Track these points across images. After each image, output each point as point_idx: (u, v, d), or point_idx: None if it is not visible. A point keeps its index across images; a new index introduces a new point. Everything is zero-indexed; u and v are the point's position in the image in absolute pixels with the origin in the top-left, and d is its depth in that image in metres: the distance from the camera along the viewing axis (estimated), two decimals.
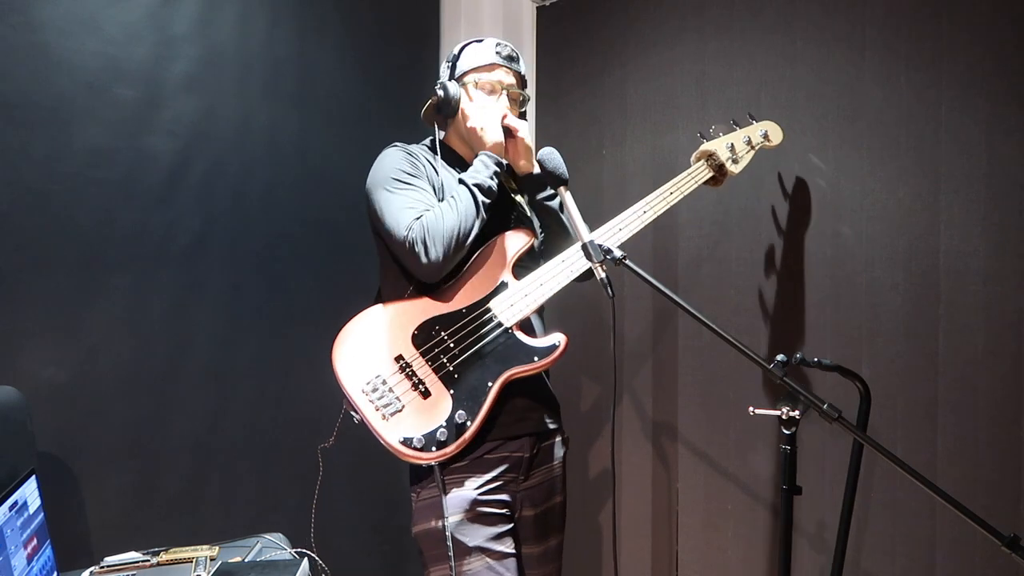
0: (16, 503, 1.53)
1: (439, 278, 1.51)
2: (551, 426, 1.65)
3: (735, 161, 1.76)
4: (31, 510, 1.60)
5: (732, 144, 1.75)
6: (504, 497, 1.54)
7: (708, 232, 2.13)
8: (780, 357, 1.33)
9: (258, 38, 2.23)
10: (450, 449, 1.42)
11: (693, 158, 1.78)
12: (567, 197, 1.43)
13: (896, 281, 1.77)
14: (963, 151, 1.66)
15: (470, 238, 1.50)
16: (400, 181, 1.53)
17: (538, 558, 1.64)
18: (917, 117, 1.73)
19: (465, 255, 1.54)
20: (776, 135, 1.82)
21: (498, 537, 1.50)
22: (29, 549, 1.55)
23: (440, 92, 1.64)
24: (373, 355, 1.46)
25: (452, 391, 1.45)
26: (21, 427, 1.70)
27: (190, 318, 2.09)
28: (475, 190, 1.52)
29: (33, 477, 1.64)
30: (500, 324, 1.50)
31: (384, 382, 1.44)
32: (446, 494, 1.47)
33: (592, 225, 1.52)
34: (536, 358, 1.51)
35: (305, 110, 2.33)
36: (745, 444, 2.05)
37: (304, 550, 1.78)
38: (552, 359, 1.52)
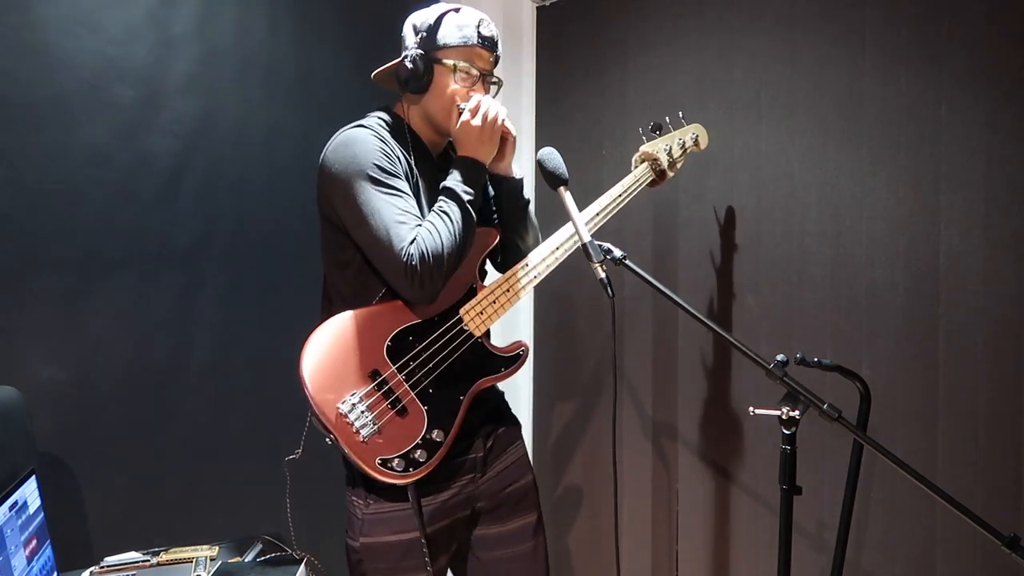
0: (16, 503, 1.53)
1: (432, 302, 1.42)
2: (497, 420, 1.62)
3: (671, 165, 1.78)
4: (31, 510, 1.60)
5: (670, 148, 1.78)
6: (457, 509, 1.51)
7: (708, 232, 2.13)
8: (780, 357, 1.33)
9: (258, 38, 2.23)
10: (426, 468, 1.38)
11: (636, 160, 1.77)
12: (567, 197, 1.41)
13: (896, 281, 1.77)
14: (963, 151, 1.66)
15: (463, 260, 1.42)
16: (382, 182, 1.39)
17: (513, 534, 1.59)
18: (917, 117, 1.73)
19: None
20: (704, 139, 1.89)
21: (434, 559, 1.46)
22: (29, 549, 1.55)
23: (410, 65, 1.47)
24: (346, 370, 1.35)
25: (427, 407, 1.40)
26: (21, 427, 1.70)
27: (190, 318, 2.09)
28: (468, 206, 1.41)
29: (33, 477, 1.64)
30: (471, 334, 1.45)
31: (360, 400, 1.35)
32: (420, 510, 1.42)
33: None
34: (503, 368, 1.49)
35: (305, 110, 2.33)
36: (745, 444, 2.05)
37: (304, 553, 1.78)
38: (517, 367, 1.51)
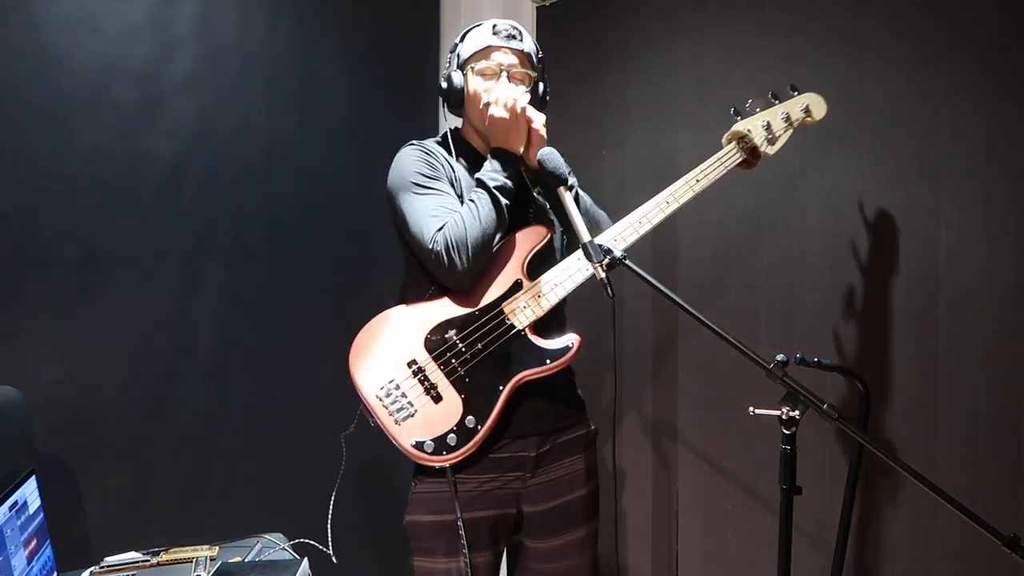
0: (16, 503, 1.53)
1: (467, 286, 1.50)
2: (566, 423, 1.63)
3: (772, 142, 1.58)
4: (31, 510, 1.60)
5: (768, 123, 1.57)
6: (498, 504, 1.53)
7: (708, 232, 2.13)
8: (780, 357, 1.33)
9: (258, 38, 2.23)
10: (459, 453, 1.45)
11: (725, 139, 1.60)
12: (567, 197, 1.42)
13: (896, 281, 1.77)
14: (963, 151, 1.66)
15: (495, 243, 1.49)
16: (420, 185, 1.51)
17: (560, 550, 1.59)
18: (917, 117, 1.73)
19: None
20: (819, 109, 1.60)
21: (473, 547, 1.50)
22: (29, 549, 1.55)
23: (443, 84, 1.61)
24: (387, 360, 1.49)
25: (463, 395, 1.47)
26: (21, 427, 1.70)
27: (190, 318, 2.09)
28: (496, 193, 1.48)
29: (33, 477, 1.64)
30: (513, 326, 1.50)
31: (397, 387, 1.47)
32: (457, 494, 1.48)
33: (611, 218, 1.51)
34: (548, 361, 1.51)
35: (305, 110, 2.33)
36: (745, 444, 2.05)
37: (306, 540, 1.78)
38: (564, 361, 1.52)
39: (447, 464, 1.46)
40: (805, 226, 1.92)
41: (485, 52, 1.57)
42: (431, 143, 1.62)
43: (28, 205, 1.82)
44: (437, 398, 1.47)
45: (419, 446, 1.44)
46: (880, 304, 1.79)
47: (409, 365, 1.48)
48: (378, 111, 2.50)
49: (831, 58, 1.87)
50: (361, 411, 1.51)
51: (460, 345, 1.48)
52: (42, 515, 1.65)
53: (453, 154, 1.61)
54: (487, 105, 1.52)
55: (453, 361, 1.48)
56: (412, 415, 1.46)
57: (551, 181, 1.46)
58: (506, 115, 1.50)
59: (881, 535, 1.80)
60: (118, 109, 1.95)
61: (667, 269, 2.22)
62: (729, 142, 1.61)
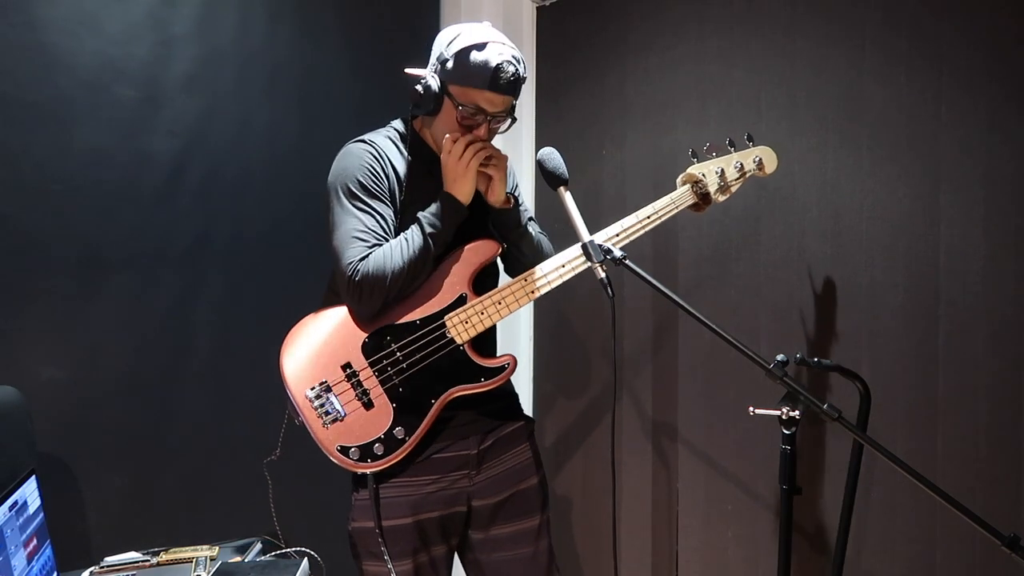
0: (16, 503, 1.53)
1: (369, 319, 1.47)
2: (503, 418, 1.62)
3: (723, 190, 1.62)
4: (31, 510, 1.60)
5: (722, 170, 1.61)
6: (446, 504, 1.53)
7: (708, 232, 2.13)
8: (780, 357, 1.33)
9: (258, 38, 2.23)
10: (384, 462, 1.44)
11: (680, 180, 1.63)
12: (567, 197, 1.42)
13: (896, 281, 1.77)
14: (963, 151, 1.66)
15: (411, 287, 1.46)
16: (357, 197, 1.45)
17: (514, 537, 1.60)
18: (917, 117, 1.73)
19: None
20: (770, 163, 1.67)
21: (426, 546, 1.52)
22: (29, 549, 1.55)
23: (420, 91, 1.47)
24: (321, 360, 1.46)
25: (395, 404, 1.45)
26: (21, 427, 1.70)
27: (190, 318, 2.09)
28: (430, 241, 1.44)
29: (33, 477, 1.64)
30: (452, 341, 1.47)
31: (328, 389, 1.45)
32: (378, 502, 1.47)
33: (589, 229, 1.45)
34: (483, 379, 1.50)
35: (305, 110, 2.33)
36: (745, 444, 2.05)
37: (304, 549, 1.79)
38: (499, 380, 1.50)
39: (369, 472, 1.44)
40: (805, 226, 1.92)
41: (479, 95, 1.44)
42: (383, 139, 1.54)
43: (28, 205, 1.82)
44: (368, 405, 1.45)
45: (344, 451, 1.42)
46: (880, 304, 1.79)
47: (344, 368, 1.45)
48: (378, 111, 2.48)
49: (831, 58, 1.86)
50: (287, 416, 1.50)
51: (398, 354, 1.46)
52: (42, 515, 1.65)
53: (409, 160, 1.54)
54: (445, 148, 1.47)
55: (389, 369, 1.46)
56: (340, 420, 1.43)
57: (550, 181, 1.45)
58: (459, 166, 1.46)
59: (881, 535, 1.80)
60: (118, 109, 1.95)
61: (667, 269, 2.22)
62: (684, 183, 1.63)
